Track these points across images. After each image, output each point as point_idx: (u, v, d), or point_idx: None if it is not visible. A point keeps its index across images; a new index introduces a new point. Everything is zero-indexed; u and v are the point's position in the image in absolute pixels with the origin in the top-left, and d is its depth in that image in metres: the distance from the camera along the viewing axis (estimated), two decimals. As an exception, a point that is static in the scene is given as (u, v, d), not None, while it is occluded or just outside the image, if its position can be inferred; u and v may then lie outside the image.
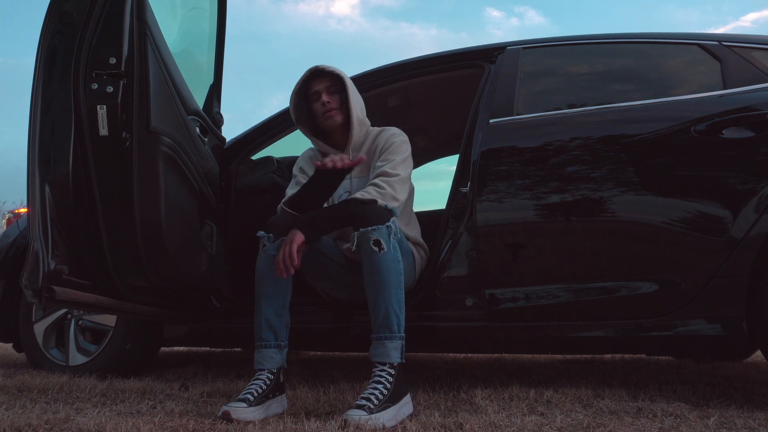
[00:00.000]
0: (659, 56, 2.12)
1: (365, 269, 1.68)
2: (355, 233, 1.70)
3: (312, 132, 2.09)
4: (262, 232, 1.79)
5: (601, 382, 2.05)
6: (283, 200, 1.92)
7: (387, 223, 1.69)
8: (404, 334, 1.66)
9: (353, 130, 1.99)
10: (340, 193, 2.00)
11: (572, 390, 1.87)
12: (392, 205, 1.80)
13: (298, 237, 1.72)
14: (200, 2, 2.44)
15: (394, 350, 1.63)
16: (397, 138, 2.01)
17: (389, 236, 1.68)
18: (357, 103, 2.01)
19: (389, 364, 1.62)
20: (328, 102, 1.99)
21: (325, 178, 1.81)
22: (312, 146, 2.16)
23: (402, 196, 1.90)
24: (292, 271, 1.71)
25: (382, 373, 1.61)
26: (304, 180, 2.02)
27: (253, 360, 1.74)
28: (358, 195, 1.83)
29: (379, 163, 1.95)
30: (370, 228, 1.67)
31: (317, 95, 2.02)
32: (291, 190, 2.00)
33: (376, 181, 1.89)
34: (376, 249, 1.66)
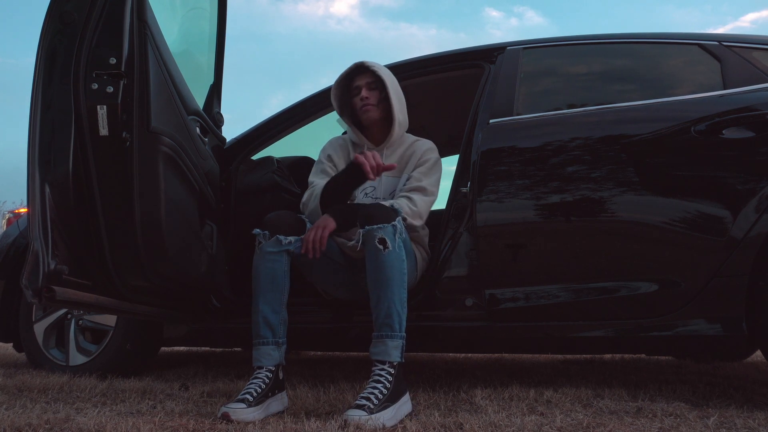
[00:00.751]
0: (659, 56, 2.12)
1: (369, 267, 1.69)
2: (360, 231, 1.71)
3: (353, 122, 2.15)
4: (258, 230, 1.80)
5: (601, 382, 2.05)
6: (314, 186, 2.00)
7: (393, 222, 1.70)
8: (405, 334, 1.66)
9: (394, 129, 2.05)
10: (364, 187, 2.04)
11: (572, 390, 1.87)
12: (417, 223, 1.91)
13: (331, 224, 1.80)
14: (200, 2, 2.44)
15: (394, 349, 1.63)
16: (435, 154, 2.08)
17: (395, 235, 1.69)
18: (398, 103, 2.06)
19: (389, 362, 1.62)
20: (367, 98, 2.05)
21: (355, 174, 1.87)
22: (339, 135, 2.22)
23: (426, 216, 1.98)
24: (318, 254, 1.77)
25: (382, 372, 1.61)
26: (330, 168, 2.09)
27: (252, 358, 1.74)
28: (392, 203, 1.87)
29: (417, 175, 2.00)
30: (375, 226, 1.68)
31: (358, 90, 2.08)
32: (315, 178, 2.06)
33: (413, 195, 1.94)
34: (381, 247, 1.67)
